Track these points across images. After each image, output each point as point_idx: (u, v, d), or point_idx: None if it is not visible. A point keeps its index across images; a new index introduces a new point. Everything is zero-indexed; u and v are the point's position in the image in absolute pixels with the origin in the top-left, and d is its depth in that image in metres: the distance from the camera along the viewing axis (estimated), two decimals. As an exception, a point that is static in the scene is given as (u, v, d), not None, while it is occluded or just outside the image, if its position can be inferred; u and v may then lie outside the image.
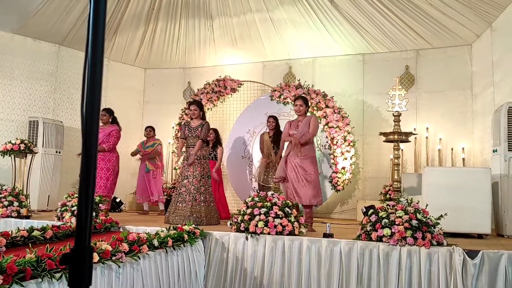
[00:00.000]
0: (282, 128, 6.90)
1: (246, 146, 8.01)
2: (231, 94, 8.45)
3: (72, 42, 8.08)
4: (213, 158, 6.86)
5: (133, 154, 7.76)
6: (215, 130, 7.10)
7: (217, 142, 7.03)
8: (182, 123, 5.98)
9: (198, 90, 8.61)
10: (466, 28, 6.96)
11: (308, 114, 5.94)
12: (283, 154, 5.78)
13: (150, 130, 7.76)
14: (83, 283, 0.89)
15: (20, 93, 7.58)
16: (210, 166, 6.62)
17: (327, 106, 7.55)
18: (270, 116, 7.05)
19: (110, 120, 6.92)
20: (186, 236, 4.16)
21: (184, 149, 5.95)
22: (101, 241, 3.24)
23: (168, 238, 3.91)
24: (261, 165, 6.97)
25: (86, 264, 0.89)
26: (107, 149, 6.53)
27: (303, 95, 6.90)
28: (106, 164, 6.91)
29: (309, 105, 6.34)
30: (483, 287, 3.58)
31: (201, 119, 5.88)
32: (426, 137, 7.52)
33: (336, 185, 7.42)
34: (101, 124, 7.13)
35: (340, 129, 7.45)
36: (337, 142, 7.46)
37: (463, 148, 7.26)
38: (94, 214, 4.60)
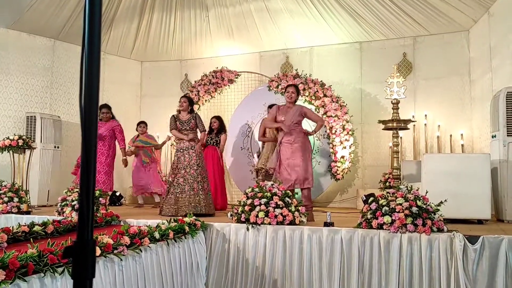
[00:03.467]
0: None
1: (245, 137, 8.00)
2: (229, 85, 8.42)
3: (67, 36, 8.02)
4: (215, 144, 6.99)
5: (129, 154, 7.62)
6: (219, 118, 7.25)
7: (222, 129, 7.16)
8: (171, 116, 6.02)
9: (195, 82, 8.58)
10: (463, 14, 6.92)
11: (299, 103, 5.95)
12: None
13: (144, 126, 7.75)
14: (87, 275, 0.89)
15: (17, 88, 7.54)
16: (212, 151, 6.77)
17: (325, 95, 7.54)
18: (270, 106, 7.05)
19: (111, 116, 7.10)
20: (187, 228, 4.18)
21: (172, 139, 6.01)
22: (103, 234, 3.25)
23: (169, 230, 3.92)
24: (266, 150, 6.90)
25: (89, 256, 0.89)
26: (124, 146, 7.14)
27: (295, 84, 6.91)
28: (103, 158, 6.96)
29: (300, 94, 6.37)
30: (483, 272, 3.60)
31: (190, 112, 5.97)
32: (425, 124, 7.52)
33: (335, 174, 7.44)
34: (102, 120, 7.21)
35: (339, 118, 7.45)
36: (335, 131, 7.46)
37: (461, 134, 7.27)
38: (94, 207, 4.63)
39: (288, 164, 5.27)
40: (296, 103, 5.60)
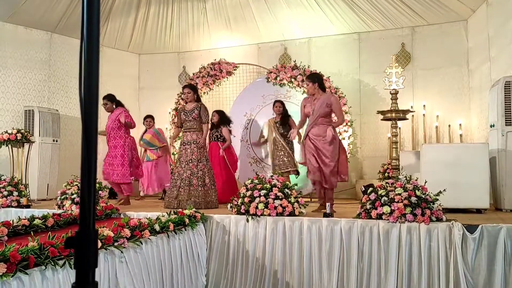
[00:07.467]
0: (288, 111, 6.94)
1: (244, 129, 7.99)
2: (227, 77, 8.39)
3: (64, 29, 7.98)
4: (217, 139, 6.86)
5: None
6: (219, 112, 7.08)
7: (221, 123, 6.94)
8: (178, 108, 5.91)
9: (193, 74, 8.56)
10: (462, 3, 6.90)
11: (327, 92, 5.61)
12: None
13: (150, 120, 7.58)
14: (89, 265, 0.89)
15: (14, 82, 7.52)
16: (216, 147, 6.74)
17: (323, 87, 7.52)
18: (276, 101, 7.00)
19: (114, 106, 6.59)
20: (187, 220, 4.19)
21: (180, 134, 5.93)
22: (103, 227, 3.26)
23: (169, 223, 3.93)
24: (270, 146, 6.93)
25: (91, 246, 0.89)
26: (133, 126, 6.47)
27: (312, 73, 5.99)
28: (117, 151, 6.46)
29: (321, 81, 5.30)
30: (482, 260, 3.62)
31: (196, 101, 5.85)
32: (423, 114, 7.53)
33: (334, 165, 7.43)
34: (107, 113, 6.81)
35: (337, 109, 7.43)
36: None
37: (460, 124, 7.27)
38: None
39: (314, 162, 5.03)
40: (325, 92, 5.23)
